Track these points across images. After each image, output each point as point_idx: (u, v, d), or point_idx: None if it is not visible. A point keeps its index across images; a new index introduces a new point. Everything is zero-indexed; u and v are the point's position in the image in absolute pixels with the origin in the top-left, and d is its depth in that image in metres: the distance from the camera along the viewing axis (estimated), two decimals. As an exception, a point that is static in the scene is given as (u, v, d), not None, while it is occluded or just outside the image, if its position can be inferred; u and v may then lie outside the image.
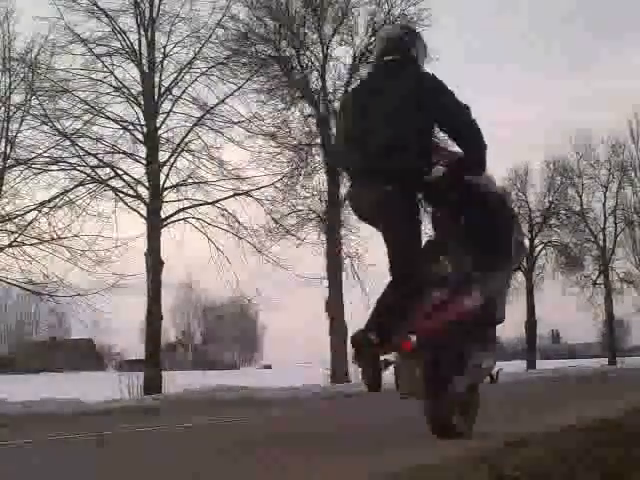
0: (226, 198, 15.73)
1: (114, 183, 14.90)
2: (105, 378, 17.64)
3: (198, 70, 15.60)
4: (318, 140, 19.08)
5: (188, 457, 4.17)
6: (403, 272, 3.61)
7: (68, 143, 14.47)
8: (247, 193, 15.91)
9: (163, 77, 15.45)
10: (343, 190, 18.97)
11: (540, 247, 31.32)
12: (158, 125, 15.28)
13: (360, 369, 3.76)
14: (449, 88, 3.75)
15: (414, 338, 3.61)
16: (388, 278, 3.70)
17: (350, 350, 3.74)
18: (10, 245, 13.74)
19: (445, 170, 3.77)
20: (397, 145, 3.59)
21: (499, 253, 3.90)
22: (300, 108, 19.18)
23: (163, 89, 15.42)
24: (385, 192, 3.57)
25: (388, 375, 3.83)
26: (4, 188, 13.91)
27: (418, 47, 3.96)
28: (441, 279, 3.82)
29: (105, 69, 15.01)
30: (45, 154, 14.32)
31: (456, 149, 3.85)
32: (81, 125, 14.64)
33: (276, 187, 16.95)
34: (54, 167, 14.48)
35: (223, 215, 15.67)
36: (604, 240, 32.65)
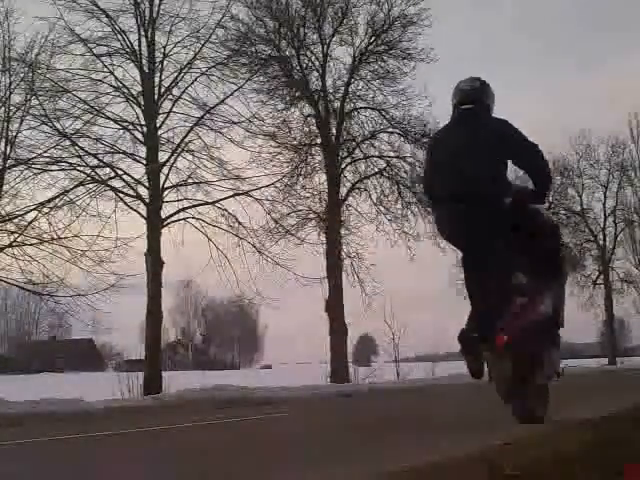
0: (226, 198, 15.73)
1: (114, 183, 14.89)
2: (105, 378, 17.62)
3: (198, 70, 15.59)
4: (318, 140, 19.09)
5: (188, 457, 4.17)
6: (495, 282, 4.35)
7: (68, 143, 14.44)
8: (247, 193, 15.88)
9: (163, 77, 15.45)
10: (343, 190, 19.02)
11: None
12: (158, 125, 15.27)
13: (466, 361, 4.48)
14: (519, 130, 4.60)
15: (505, 337, 4.20)
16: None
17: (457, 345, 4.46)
18: (10, 245, 13.72)
19: (513, 199, 4.49)
20: (483, 177, 4.37)
21: (559, 270, 4.79)
22: (300, 108, 19.20)
23: (163, 89, 15.40)
24: (479, 213, 4.31)
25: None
26: (4, 188, 13.89)
27: (490, 97, 4.75)
28: (520, 288, 4.52)
29: (105, 69, 14.99)
30: (45, 154, 14.30)
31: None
32: (81, 125, 14.62)
33: (276, 187, 16.93)
34: (54, 167, 14.46)
35: (223, 215, 15.65)
36: (604, 240, 32.67)
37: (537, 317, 4.49)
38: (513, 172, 6.58)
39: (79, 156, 14.63)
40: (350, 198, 19.22)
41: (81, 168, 14.70)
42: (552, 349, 4.71)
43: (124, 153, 15.11)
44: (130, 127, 15.16)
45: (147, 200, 14.90)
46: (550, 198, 31.37)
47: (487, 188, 4.35)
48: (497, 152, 4.44)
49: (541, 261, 4.61)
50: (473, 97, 4.65)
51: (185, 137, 15.40)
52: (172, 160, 15.30)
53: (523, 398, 4.51)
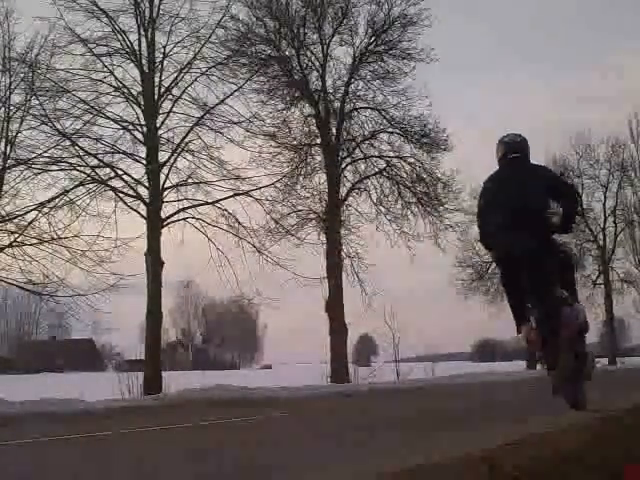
0: (226, 198, 15.71)
1: (114, 183, 14.88)
2: (105, 378, 17.61)
3: (198, 70, 15.57)
4: (318, 140, 19.08)
5: (188, 457, 4.17)
6: (545, 294, 5.33)
7: (68, 143, 14.43)
8: (247, 193, 15.86)
9: (163, 77, 15.43)
10: (343, 190, 19.02)
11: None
12: (158, 125, 15.25)
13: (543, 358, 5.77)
14: (557, 174, 6.22)
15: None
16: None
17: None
18: (10, 245, 13.72)
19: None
20: (535, 211, 5.35)
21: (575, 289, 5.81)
22: (300, 108, 19.19)
23: (163, 89, 15.39)
24: (536, 242, 5.25)
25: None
26: (4, 188, 13.89)
27: (529, 148, 5.73)
28: (564, 300, 5.47)
29: (105, 69, 14.97)
30: (45, 154, 14.28)
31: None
32: (81, 125, 14.61)
33: (276, 187, 16.91)
34: (54, 167, 14.44)
35: (223, 215, 15.63)
36: (604, 240, 32.65)
37: (578, 327, 5.55)
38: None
39: (79, 156, 14.62)
40: (350, 198, 19.24)
41: (81, 168, 14.69)
42: (589, 353, 5.77)
43: (124, 153, 15.10)
44: (130, 127, 15.16)
45: (147, 200, 14.89)
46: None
47: (542, 221, 5.34)
48: (546, 193, 5.45)
49: (568, 282, 5.68)
50: (517, 148, 5.64)
51: (185, 137, 15.39)
52: (172, 160, 15.29)
53: (576, 387, 5.46)
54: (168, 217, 15.18)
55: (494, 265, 30.53)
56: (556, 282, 5.51)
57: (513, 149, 5.63)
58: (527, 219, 5.31)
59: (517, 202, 5.37)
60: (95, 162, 14.82)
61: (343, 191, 19.11)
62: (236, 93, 15.86)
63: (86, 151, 14.69)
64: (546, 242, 5.37)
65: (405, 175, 19.39)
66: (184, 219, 15.41)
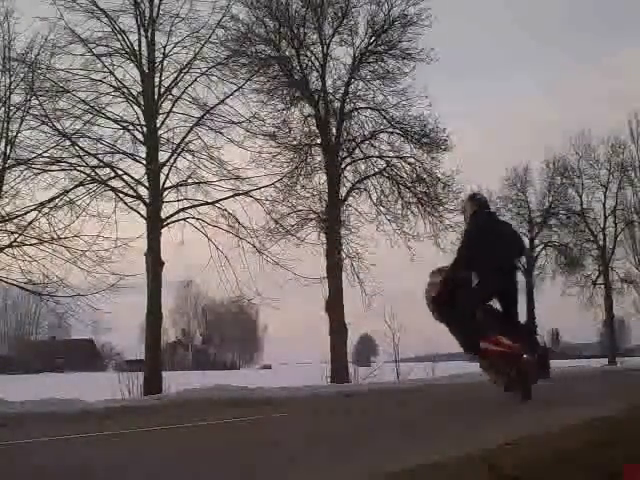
0: (226, 198, 15.69)
1: (114, 183, 14.86)
2: (105, 378, 17.60)
3: (198, 70, 15.54)
4: (318, 140, 19.08)
5: (188, 457, 4.17)
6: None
7: (68, 143, 14.40)
8: (247, 193, 15.85)
9: (163, 77, 15.41)
10: (343, 190, 19.02)
11: (540, 247, 31.31)
12: (158, 125, 15.24)
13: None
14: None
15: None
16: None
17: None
18: (10, 245, 13.70)
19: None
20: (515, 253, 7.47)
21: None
22: (300, 108, 19.17)
23: (163, 89, 15.37)
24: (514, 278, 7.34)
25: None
26: (4, 188, 13.87)
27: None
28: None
29: (105, 69, 14.95)
30: (45, 154, 14.26)
31: None
32: (81, 125, 14.58)
33: (276, 187, 16.89)
34: (54, 167, 14.42)
35: (223, 215, 15.62)
36: (604, 240, 32.63)
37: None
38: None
39: (79, 156, 14.60)
40: (350, 198, 19.21)
41: (81, 168, 14.67)
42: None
43: (124, 153, 15.10)
44: (130, 127, 15.15)
45: (147, 200, 14.88)
46: (550, 198, 31.44)
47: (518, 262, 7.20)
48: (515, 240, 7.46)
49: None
50: (487, 204, 7.60)
51: (185, 137, 15.38)
52: (172, 160, 15.28)
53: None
54: (168, 217, 15.18)
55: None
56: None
57: (485, 205, 7.39)
58: (512, 263, 7.30)
59: (508, 249, 7.06)
60: (95, 162, 14.81)
61: (343, 191, 19.11)
62: (236, 93, 15.86)
63: (86, 151, 14.68)
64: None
65: (405, 175, 19.39)
66: (184, 219, 15.41)
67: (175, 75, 15.42)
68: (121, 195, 14.85)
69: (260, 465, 3.75)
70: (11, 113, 13.89)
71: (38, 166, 14.19)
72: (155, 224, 14.78)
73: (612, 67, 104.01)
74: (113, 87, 15.03)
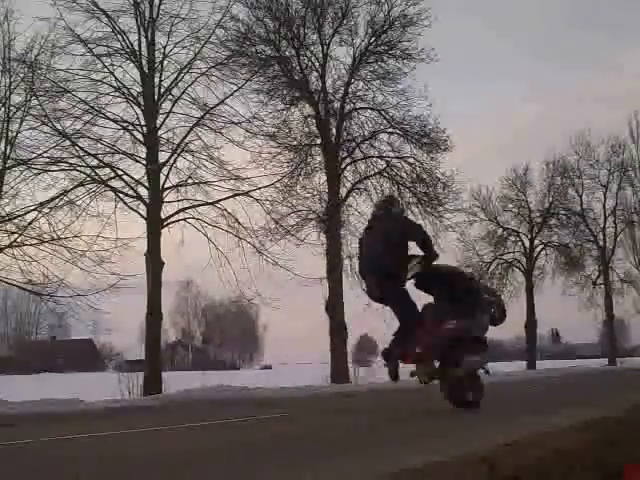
0: (226, 198, 15.71)
1: (114, 183, 14.87)
2: (105, 378, 17.63)
3: (198, 70, 15.56)
4: (318, 140, 19.07)
5: (188, 457, 4.17)
6: (404, 321, 6.70)
7: (68, 143, 14.42)
8: (247, 193, 15.87)
9: (163, 77, 15.43)
10: (343, 191, 19.03)
11: (540, 247, 31.29)
12: (158, 125, 15.25)
13: (387, 369, 6.74)
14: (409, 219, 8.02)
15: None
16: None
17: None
18: (10, 245, 13.71)
19: (418, 264, 6.73)
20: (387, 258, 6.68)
21: (469, 306, 6.74)
22: (300, 108, 19.18)
23: (163, 89, 15.38)
24: (385, 283, 6.69)
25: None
26: (4, 188, 13.88)
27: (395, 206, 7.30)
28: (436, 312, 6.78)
29: (105, 69, 14.96)
30: (45, 154, 14.28)
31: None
32: (81, 125, 14.60)
33: (276, 187, 16.90)
34: (54, 167, 14.44)
35: (223, 215, 15.64)
36: (604, 240, 32.61)
37: (444, 332, 6.55)
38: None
39: (79, 156, 14.62)
40: (350, 198, 19.23)
41: (81, 168, 14.69)
42: (469, 354, 6.63)
43: (124, 153, 15.10)
44: (130, 127, 15.16)
45: (147, 200, 14.89)
46: (550, 198, 31.43)
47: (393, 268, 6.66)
48: (401, 238, 6.82)
49: (460, 299, 6.70)
50: (384, 204, 7.22)
51: (185, 137, 15.39)
52: (172, 160, 15.29)
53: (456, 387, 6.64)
54: (168, 217, 15.19)
55: (495, 265, 30.62)
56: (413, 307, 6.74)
57: (380, 206, 7.20)
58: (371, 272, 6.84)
59: (367, 258, 6.96)
60: (95, 162, 14.83)
61: (343, 191, 19.11)
62: (236, 93, 15.88)
63: (86, 151, 14.69)
64: (395, 280, 6.66)
65: (405, 175, 19.40)
66: (184, 219, 15.42)
67: (175, 75, 15.46)
68: (121, 195, 14.87)
69: (260, 465, 3.76)
70: (11, 113, 13.90)
71: (38, 166, 14.21)
72: (155, 224, 14.78)
73: (612, 67, 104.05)
74: (113, 87, 15.05)
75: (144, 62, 15.21)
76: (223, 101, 15.65)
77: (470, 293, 6.83)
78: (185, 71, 15.43)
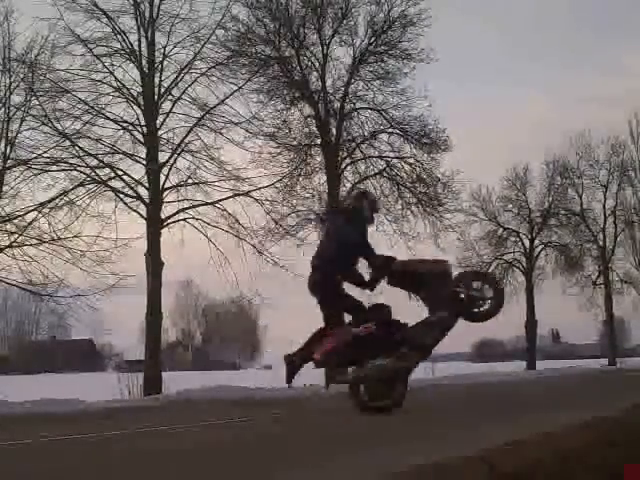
0: (226, 198, 15.70)
1: (114, 183, 14.86)
2: (105, 378, 17.62)
3: (198, 71, 15.55)
4: (318, 140, 19.06)
5: (188, 457, 4.17)
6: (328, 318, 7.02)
7: (68, 143, 14.41)
8: (247, 193, 15.87)
9: (163, 77, 15.41)
10: (343, 191, 19.01)
11: (540, 248, 31.29)
12: (158, 125, 15.24)
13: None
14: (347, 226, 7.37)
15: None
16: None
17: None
18: (10, 245, 13.71)
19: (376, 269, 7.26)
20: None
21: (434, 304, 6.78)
22: (300, 108, 19.14)
23: (163, 89, 15.37)
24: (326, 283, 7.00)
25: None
26: (4, 188, 13.88)
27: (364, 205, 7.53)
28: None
29: (105, 69, 14.95)
30: (45, 154, 14.27)
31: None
32: (81, 126, 14.59)
33: (276, 187, 16.90)
34: (54, 167, 14.43)
35: (223, 215, 15.63)
36: (604, 240, 32.60)
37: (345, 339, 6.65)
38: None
39: (79, 156, 14.62)
40: (350, 198, 19.20)
41: (81, 168, 14.68)
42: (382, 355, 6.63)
43: (124, 153, 15.10)
44: (130, 127, 15.15)
45: (147, 200, 14.89)
46: (550, 198, 31.43)
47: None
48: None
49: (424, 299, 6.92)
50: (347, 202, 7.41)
51: (185, 137, 15.38)
52: (172, 160, 15.29)
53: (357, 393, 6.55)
54: (168, 217, 15.18)
55: (495, 265, 30.61)
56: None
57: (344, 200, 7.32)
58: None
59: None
60: (95, 162, 14.82)
61: (343, 191, 19.10)
62: (236, 93, 15.87)
63: (86, 151, 14.69)
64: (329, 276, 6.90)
65: (405, 175, 19.38)
66: (184, 219, 15.41)
67: (175, 75, 15.44)
68: (121, 195, 14.87)
69: (260, 465, 3.76)
70: (11, 113, 13.91)
71: (38, 166, 14.21)
72: (155, 224, 14.78)
73: (612, 67, 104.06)
74: (113, 87, 15.04)
75: (144, 62, 15.20)
76: (223, 101, 15.65)
77: (435, 292, 6.73)
78: (185, 71, 15.43)
